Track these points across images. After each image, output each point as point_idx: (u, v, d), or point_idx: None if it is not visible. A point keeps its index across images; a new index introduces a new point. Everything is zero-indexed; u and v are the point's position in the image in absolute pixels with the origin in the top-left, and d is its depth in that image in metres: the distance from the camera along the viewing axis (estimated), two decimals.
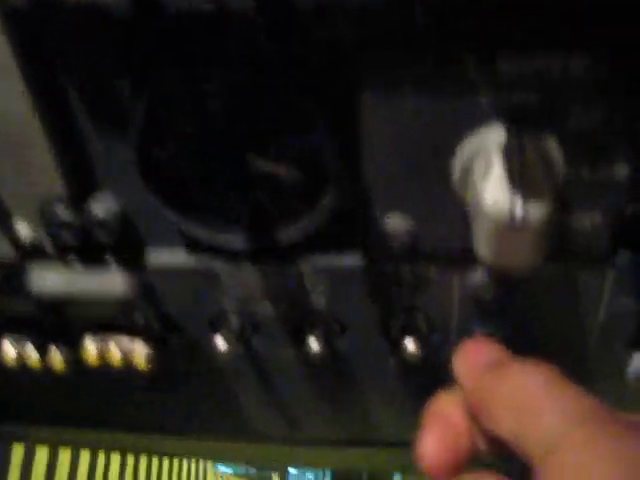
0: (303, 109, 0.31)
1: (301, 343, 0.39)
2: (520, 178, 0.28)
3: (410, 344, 0.38)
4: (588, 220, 0.33)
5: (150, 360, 0.38)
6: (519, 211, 0.28)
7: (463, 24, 0.28)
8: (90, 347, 0.38)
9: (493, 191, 0.28)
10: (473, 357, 0.30)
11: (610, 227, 0.34)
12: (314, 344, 0.38)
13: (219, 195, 0.35)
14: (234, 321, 0.40)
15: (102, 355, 0.38)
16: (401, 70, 0.30)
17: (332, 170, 0.32)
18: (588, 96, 0.30)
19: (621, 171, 0.32)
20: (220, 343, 0.38)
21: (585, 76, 0.29)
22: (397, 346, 0.39)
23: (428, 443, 0.29)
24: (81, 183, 0.35)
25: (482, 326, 0.39)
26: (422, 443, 0.29)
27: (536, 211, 0.28)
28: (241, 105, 0.32)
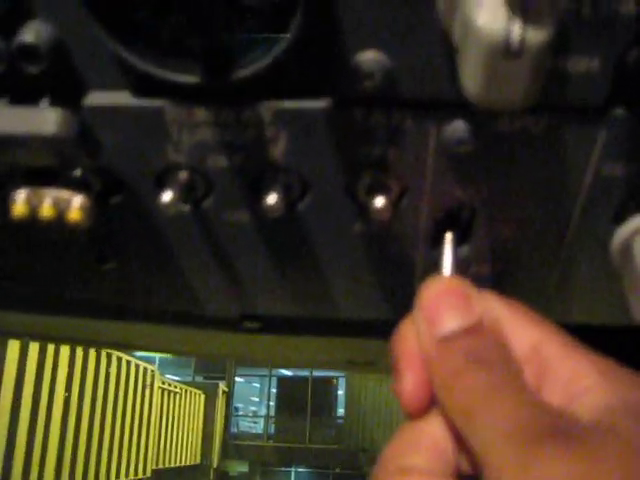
0: None
1: (257, 203, 0.35)
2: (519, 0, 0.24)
3: (379, 201, 0.34)
4: (584, 64, 0.30)
5: (87, 213, 0.34)
6: (516, 35, 0.24)
7: None
8: (20, 196, 0.34)
9: (486, 13, 0.25)
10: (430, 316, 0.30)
11: (607, 75, 0.30)
12: (272, 199, 0.34)
13: (167, 19, 0.30)
14: (184, 177, 0.36)
15: (33, 205, 0.34)
16: None
17: None
18: None
19: (627, 7, 0.28)
20: (166, 198, 0.34)
21: None
22: (363, 208, 0.35)
23: (407, 380, 0.30)
24: (11, 5, 0.30)
25: (459, 189, 0.35)
26: (400, 382, 0.30)
27: (536, 36, 0.24)
28: None
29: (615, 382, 0.28)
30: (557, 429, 0.25)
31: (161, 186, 0.36)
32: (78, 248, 0.41)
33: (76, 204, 0.34)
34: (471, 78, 0.26)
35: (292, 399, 8.55)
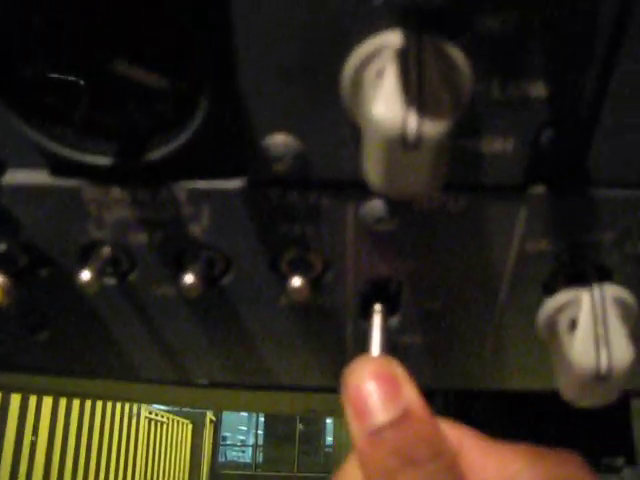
0: (174, 11, 0.27)
1: (180, 279, 0.34)
2: (416, 89, 0.24)
3: (296, 281, 0.33)
4: (498, 145, 0.30)
5: (6, 293, 0.34)
6: (413, 128, 0.24)
7: None
8: None
9: (383, 104, 0.24)
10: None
11: (523, 155, 0.30)
12: (189, 279, 0.33)
13: (80, 105, 0.30)
14: (107, 252, 0.35)
15: None
16: None
17: (206, 79, 0.28)
18: None
19: (537, 90, 0.28)
20: (85, 277, 0.33)
21: None
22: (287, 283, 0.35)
23: None
24: None
25: (382, 264, 0.35)
26: None
27: (433, 129, 0.24)
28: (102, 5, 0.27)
29: (543, 461, 0.28)
30: None
31: (86, 260, 0.35)
32: (10, 319, 0.40)
33: None
34: (371, 168, 0.26)
35: (280, 428, 8.51)
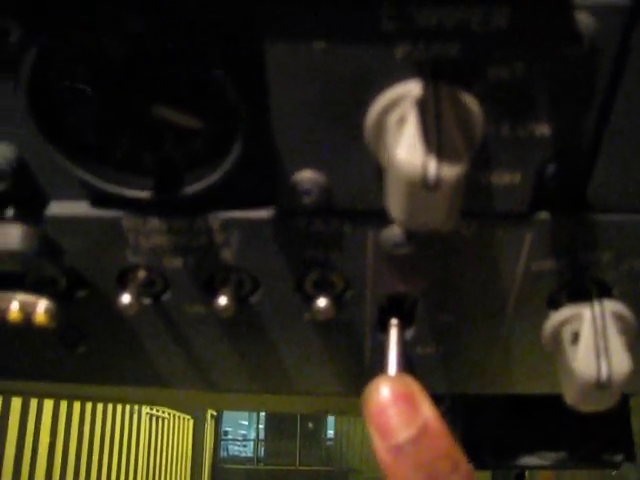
0: (208, 58, 0.29)
1: (212, 299, 0.37)
2: (435, 135, 0.27)
3: (322, 302, 0.37)
4: (507, 178, 0.32)
5: (53, 316, 0.37)
6: (432, 171, 0.26)
7: None
8: None
9: (405, 149, 0.27)
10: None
11: (529, 186, 0.33)
12: (223, 300, 0.36)
13: (121, 145, 0.33)
14: (142, 275, 0.38)
15: (1, 308, 0.36)
16: (309, 18, 0.28)
17: (239, 122, 0.31)
18: (510, 49, 0.28)
19: (542, 130, 0.31)
20: (125, 300, 0.36)
21: (506, 28, 0.28)
22: (311, 300, 0.37)
23: None
24: None
25: (399, 284, 0.38)
26: None
27: (451, 171, 0.27)
28: (141, 52, 0.30)
29: None
30: None
31: (122, 283, 0.38)
32: (48, 335, 0.43)
33: (41, 308, 0.36)
34: (393, 204, 0.29)
35: (281, 421, 8.52)
